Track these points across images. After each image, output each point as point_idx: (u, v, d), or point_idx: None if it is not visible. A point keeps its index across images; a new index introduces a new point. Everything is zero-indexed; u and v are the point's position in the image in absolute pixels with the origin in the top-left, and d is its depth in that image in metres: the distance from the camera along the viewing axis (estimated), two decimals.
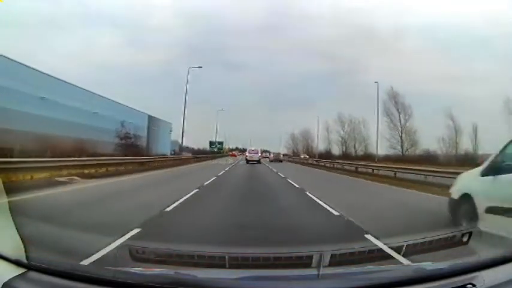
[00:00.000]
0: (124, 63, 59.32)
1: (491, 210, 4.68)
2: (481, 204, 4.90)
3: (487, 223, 4.53)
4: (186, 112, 37.74)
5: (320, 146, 58.02)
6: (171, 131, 47.16)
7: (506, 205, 4.43)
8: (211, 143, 62.75)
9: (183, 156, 39.80)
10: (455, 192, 5.80)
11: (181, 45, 69.23)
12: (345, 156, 50.22)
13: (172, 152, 46.38)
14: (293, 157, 58.01)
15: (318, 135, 57.32)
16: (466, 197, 5.30)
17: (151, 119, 43.47)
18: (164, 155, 39.37)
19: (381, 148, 44.36)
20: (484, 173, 5.23)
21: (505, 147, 5.24)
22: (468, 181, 5.79)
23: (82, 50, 53.31)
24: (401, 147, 46.45)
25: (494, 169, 5.07)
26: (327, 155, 50.81)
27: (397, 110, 47.29)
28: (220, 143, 66.22)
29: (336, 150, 56.50)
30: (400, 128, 46.97)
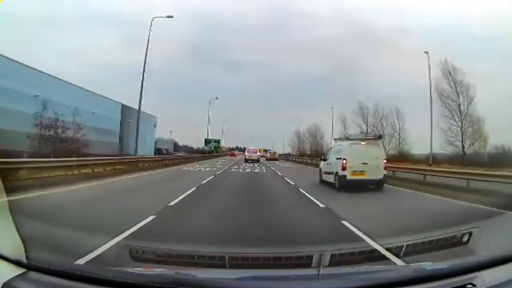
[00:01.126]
0: (123, 62, 59.04)
1: (324, 172, 12.85)
2: (322, 171, 13.20)
3: (324, 177, 12.66)
4: (145, 77, 24.95)
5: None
6: (155, 126, 38.70)
7: (325, 170, 12.71)
8: (206, 142, 53.94)
9: (156, 156, 30.34)
10: (320, 167, 13.81)
11: (181, 45, 69.03)
12: None
13: (164, 152, 39.91)
14: (298, 157, 47.54)
15: (332, 129, 43.21)
16: (320, 169, 13.57)
17: (126, 109, 33.95)
18: (128, 154, 28.66)
19: (423, 144, 30.56)
20: (322, 160, 13.95)
21: (328, 150, 14.66)
22: (321, 163, 13.78)
23: (81, 50, 52.70)
24: (462, 142, 31.57)
25: (324, 159, 13.57)
26: None
27: (456, 91, 31.73)
28: (217, 141, 57.69)
29: None
30: (461, 118, 31.70)
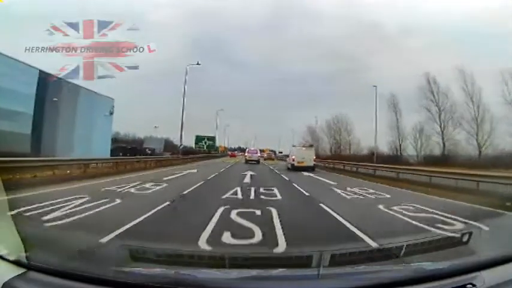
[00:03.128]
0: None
1: (287, 163, 24.27)
2: (287, 162, 24.70)
3: (287, 165, 23.33)
4: None
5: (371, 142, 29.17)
6: (111, 113, 25.44)
7: (288, 162, 24.41)
8: (197, 139, 43.07)
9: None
10: (287, 160, 25.55)
11: (181, 43, 67.88)
12: (443, 160, 23.00)
13: (149, 152, 34.04)
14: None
15: (376, 117, 26.74)
16: (286, 161, 25.99)
17: (49, 81, 19.13)
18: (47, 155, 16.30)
19: None
20: (286, 157, 28.30)
21: (290, 152, 25.24)
22: (287, 158, 25.68)
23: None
24: None
25: (287, 156, 27.34)
26: (393, 158, 25.58)
27: None
28: (211, 139, 45.11)
29: (411, 149, 28.27)
30: None
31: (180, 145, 32.84)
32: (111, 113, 25.71)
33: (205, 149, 43.00)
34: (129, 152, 29.12)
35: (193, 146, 44.51)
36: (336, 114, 34.80)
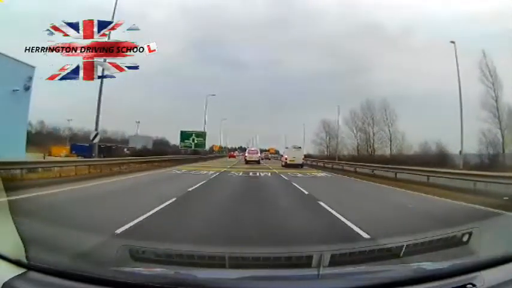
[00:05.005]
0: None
1: (282, 161, 30.79)
2: (282, 160, 30.89)
3: (282, 163, 29.70)
4: None
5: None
6: (27, 87, 15.18)
7: (282, 160, 31.29)
8: (183, 136, 33.15)
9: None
10: (281, 159, 32.24)
11: (181, 42, 67.28)
12: None
13: (128, 152, 28.82)
14: (322, 160, 30.93)
15: (460, 88, 17.67)
16: (281, 160, 32.02)
17: None
18: None
19: None
20: (282, 156, 34.15)
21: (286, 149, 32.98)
22: (282, 157, 32.89)
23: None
24: None
25: (282, 155, 34.61)
26: None
27: None
28: (200, 135, 34.18)
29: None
30: None
31: (93, 136, 16.71)
32: (27, 89, 15.59)
33: (194, 148, 33.98)
34: (103, 152, 23.73)
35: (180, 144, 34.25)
36: (367, 99, 26.36)
